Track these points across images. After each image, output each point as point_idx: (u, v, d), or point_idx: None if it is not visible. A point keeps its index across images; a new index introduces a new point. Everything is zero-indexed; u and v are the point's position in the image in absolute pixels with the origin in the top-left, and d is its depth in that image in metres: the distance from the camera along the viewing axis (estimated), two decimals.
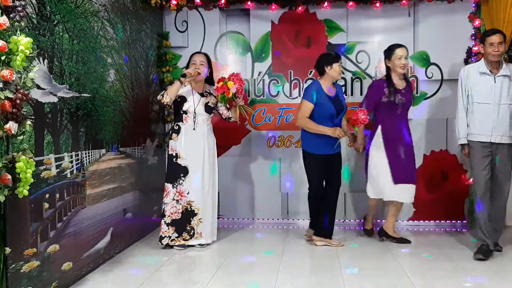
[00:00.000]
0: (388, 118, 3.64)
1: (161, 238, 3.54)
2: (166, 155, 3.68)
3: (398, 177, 3.60)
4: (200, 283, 2.87)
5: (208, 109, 3.63)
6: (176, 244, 3.55)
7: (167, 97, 3.44)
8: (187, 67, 3.65)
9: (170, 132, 3.65)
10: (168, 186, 3.57)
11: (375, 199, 3.78)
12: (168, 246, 3.55)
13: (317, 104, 3.49)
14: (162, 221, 3.55)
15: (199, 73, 3.53)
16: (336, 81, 3.73)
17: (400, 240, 3.72)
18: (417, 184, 3.70)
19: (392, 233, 3.75)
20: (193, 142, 3.56)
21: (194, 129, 3.55)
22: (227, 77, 3.51)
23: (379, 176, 3.64)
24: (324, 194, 3.64)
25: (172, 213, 3.54)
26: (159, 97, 3.49)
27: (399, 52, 3.58)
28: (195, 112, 3.55)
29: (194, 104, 3.55)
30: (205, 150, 3.59)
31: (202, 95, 3.63)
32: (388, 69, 3.68)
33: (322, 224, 3.63)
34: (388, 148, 3.63)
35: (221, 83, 3.48)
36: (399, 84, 3.65)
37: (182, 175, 3.55)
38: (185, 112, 3.55)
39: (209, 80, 3.73)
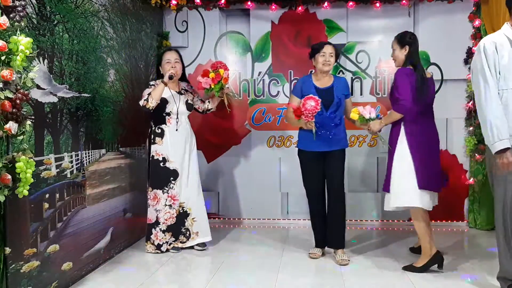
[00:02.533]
0: None
1: (159, 246, 3.46)
2: (148, 160, 3.54)
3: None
4: (200, 283, 2.87)
5: (189, 106, 3.56)
6: (174, 246, 3.51)
7: (153, 101, 3.31)
8: (159, 65, 3.57)
9: (152, 136, 3.49)
10: (158, 192, 3.45)
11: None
12: (167, 251, 3.50)
13: (303, 97, 3.22)
14: (158, 229, 3.46)
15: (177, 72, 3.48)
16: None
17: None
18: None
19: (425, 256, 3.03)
20: (178, 143, 3.48)
21: (177, 130, 3.47)
22: (209, 68, 3.40)
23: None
24: (327, 199, 3.38)
25: (166, 219, 3.46)
26: (142, 102, 3.32)
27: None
28: (177, 112, 3.47)
29: (176, 104, 3.47)
30: (190, 149, 3.54)
31: (180, 93, 3.56)
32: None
33: (329, 233, 3.37)
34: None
35: (211, 73, 3.35)
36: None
37: (172, 178, 3.46)
38: (168, 114, 3.46)
39: (182, 77, 3.65)
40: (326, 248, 3.42)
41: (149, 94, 3.35)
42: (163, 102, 3.44)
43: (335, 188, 3.31)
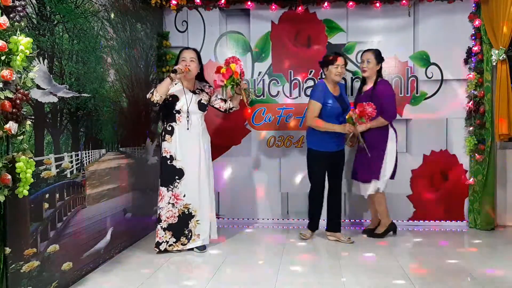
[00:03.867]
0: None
1: (158, 244, 3.46)
2: (160, 158, 3.57)
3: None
4: (200, 283, 2.87)
5: (202, 106, 3.52)
6: (174, 249, 3.49)
7: (157, 95, 3.33)
8: (176, 64, 3.54)
9: (163, 133, 3.51)
10: (163, 189, 3.45)
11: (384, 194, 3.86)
12: (166, 251, 3.48)
13: (324, 104, 3.62)
14: (158, 226, 3.47)
15: (189, 70, 3.43)
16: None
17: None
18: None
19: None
20: (188, 142, 3.46)
21: (188, 129, 3.46)
22: (223, 64, 3.44)
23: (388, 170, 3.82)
24: (328, 190, 3.85)
25: (168, 217, 3.46)
26: (148, 95, 3.38)
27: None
28: (188, 111, 3.46)
29: (187, 102, 3.45)
30: (201, 149, 3.50)
31: (194, 92, 3.53)
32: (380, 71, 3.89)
33: (330, 219, 3.85)
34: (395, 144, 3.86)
35: (223, 68, 3.38)
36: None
37: (177, 177, 3.45)
38: (178, 112, 3.45)
39: (200, 77, 3.64)
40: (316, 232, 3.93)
41: (154, 88, 3.38)
42: (174, 99, 3.44)
43: (340, 181, 3.83)
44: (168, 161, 3.46)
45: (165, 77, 3.44)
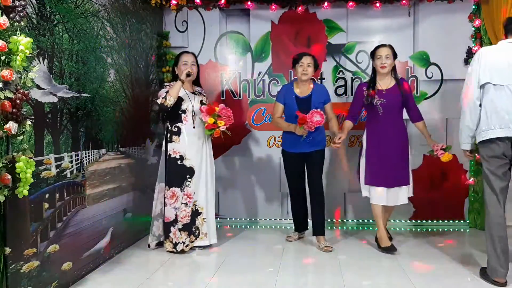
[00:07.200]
0: (372, 120, 3.56)
1: (176, 244, 3.44)
2: (165, 159, 3.54)
3: (369, 179, 3.51)
4: (200, 283, 2.87)
5: None
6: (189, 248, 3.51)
7: (171, 99, 3.36)
8: (175, 65, 3.60)
9: (169, 135, 3.52)
10: (176, 190, 3.46)
11: (380, 206, 3.52)
12: (183, 251, 3.47)
13: (285, 104, 3.69)
14: (176, 227, 3.45)
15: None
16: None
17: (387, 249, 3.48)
18: (412, 185, 3.57)
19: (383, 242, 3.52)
20: (194, 141, 3.52)
21: (194, 127, 3.52)
22: (218, 108, 3.39)
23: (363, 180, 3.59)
24: (309, 196, 3.73)
25: (182, 218, 3.46)
26: (160, 100, 3.38)
27: (378, 52, 3.50)
28: (193, 111, 3.53)
29: (192, 103, 3.53)
30: (205, 147, 3.58)
31: (194, 94, 3.61)
32: (373, 70, 3.62)
33: (314, 224, 3.67)
34: (369, 150, 3.53)
35: (210, 118, 3.38)
36: (384, 84, 3.53)
37: (188, 176, 3.48)
38: (184, 112, 3.50)
39: (196, 81, 3.69)
40: (304, 233, 3.93)
41: (166, 92, 3.40)
42: (179, 100, 3.48)
43: (315, 183, 3.66)
44: (178, 161, 3.48)
45: (166, 78, 3.47)
